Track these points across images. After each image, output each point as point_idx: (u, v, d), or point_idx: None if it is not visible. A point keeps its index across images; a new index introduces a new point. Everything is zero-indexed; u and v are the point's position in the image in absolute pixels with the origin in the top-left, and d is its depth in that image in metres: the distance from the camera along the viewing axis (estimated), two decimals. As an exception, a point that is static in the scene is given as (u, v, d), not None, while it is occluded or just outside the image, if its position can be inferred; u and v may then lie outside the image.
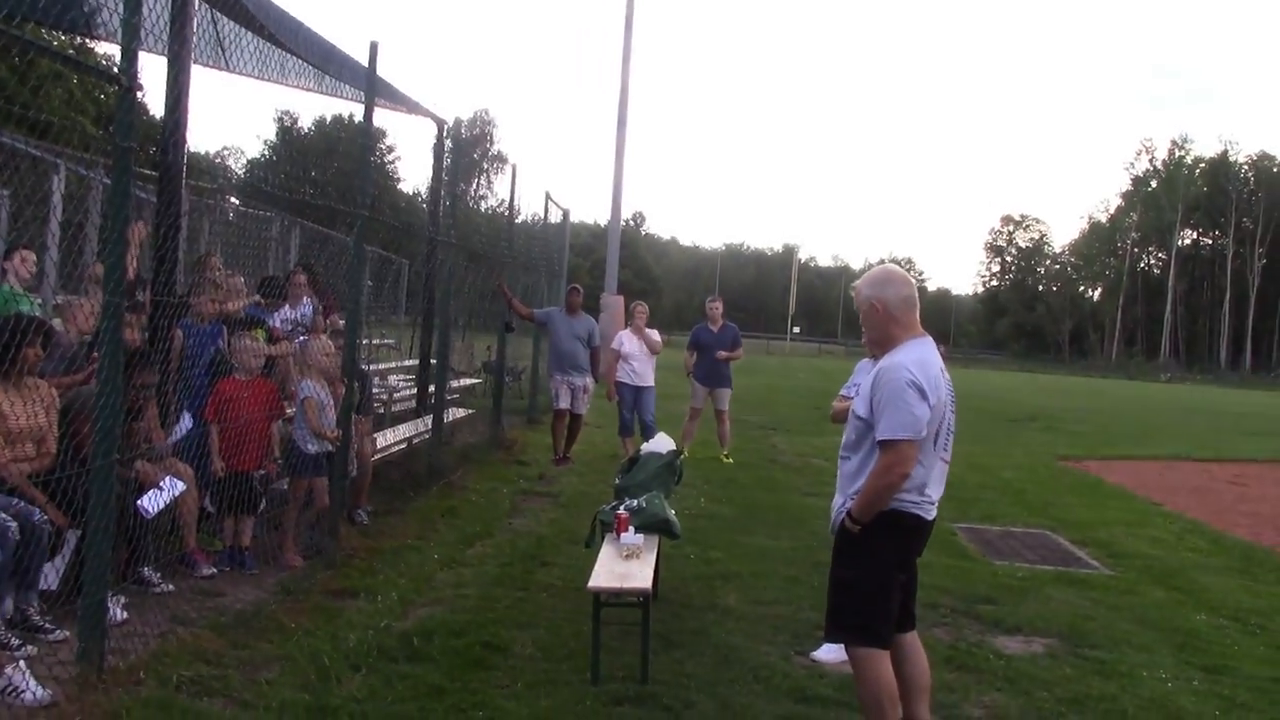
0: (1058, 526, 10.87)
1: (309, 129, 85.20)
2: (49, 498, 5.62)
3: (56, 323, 7.25)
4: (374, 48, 8.13)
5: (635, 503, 6.81)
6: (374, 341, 15.70)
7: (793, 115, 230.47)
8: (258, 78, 9.63)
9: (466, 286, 14.04)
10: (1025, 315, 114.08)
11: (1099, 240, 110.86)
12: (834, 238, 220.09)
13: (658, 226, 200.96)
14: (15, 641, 5.19)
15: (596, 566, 5.98)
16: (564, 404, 13.19)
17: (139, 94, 5.00)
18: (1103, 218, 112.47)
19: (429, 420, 11.84)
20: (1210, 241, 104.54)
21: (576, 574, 7.15)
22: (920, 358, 4.46)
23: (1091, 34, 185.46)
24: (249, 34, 8.82)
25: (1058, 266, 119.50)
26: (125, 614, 5.76)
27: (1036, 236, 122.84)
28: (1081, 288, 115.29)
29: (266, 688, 5.08)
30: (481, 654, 5.81)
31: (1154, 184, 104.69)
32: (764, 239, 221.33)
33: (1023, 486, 13.69)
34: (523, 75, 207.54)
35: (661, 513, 6.76)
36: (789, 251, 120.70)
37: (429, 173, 13.09)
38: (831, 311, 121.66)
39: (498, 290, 13.92)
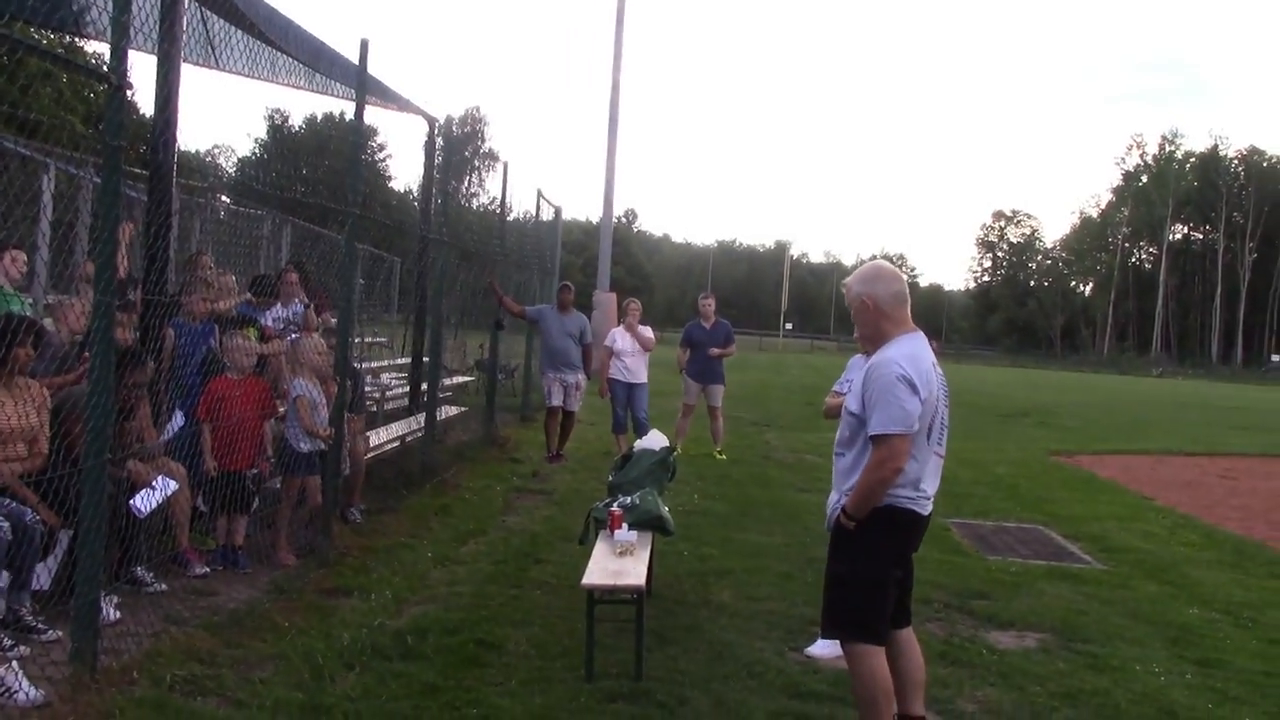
0: (1050, 521, 10.89)
1: (299, 127, 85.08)
2: (41, 498, 5.60)
3: (48, 322, 7.22)
4: (364, 45, 8.11)
5: (629, 500, 6.82)
6: (366, 339, 15.68)
7: (785, 112, 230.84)
8: (248, 76, 9.60)
9: (458, 284, 14.02)
10: (1017, 311, 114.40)
11: (1090, 235, 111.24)
12: (826, 234, 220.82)
13: (650, 224, 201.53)
14: (8, 642, 5.17)
15: (590, 564, 5.98)
16: (557, 401, 13.19)
17: (129, 92, 4.99)
18: (1094, 213, 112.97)
19: (422, 418, 11.83)
20: (1201, 236, 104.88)
21: (570, 571, 7.16)
22: (911, 352, 4.46)
23: (1082, 29, 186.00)
24: (239, 32, 8.79)
25: (1049, 262, 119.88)
26: (118, 614, 5.75)
27: (1028, 232, 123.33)
28: (1073, 283, 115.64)
29: (260, 687, 5.08)
30: (476, 652, 5.81)
31: (1145, 179, 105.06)
32: (756, 235, 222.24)
33: (1015, 482, 13.71)
34: (514, 73, 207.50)
35: (655, 509, 6.76)
36: (781, 248, 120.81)
37: (420, 170, 13.08)
38: (824, 308, 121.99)
39: (489, 288, 13.91)
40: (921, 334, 4.62)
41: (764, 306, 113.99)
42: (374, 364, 15.21)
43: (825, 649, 5.93)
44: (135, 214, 8.61)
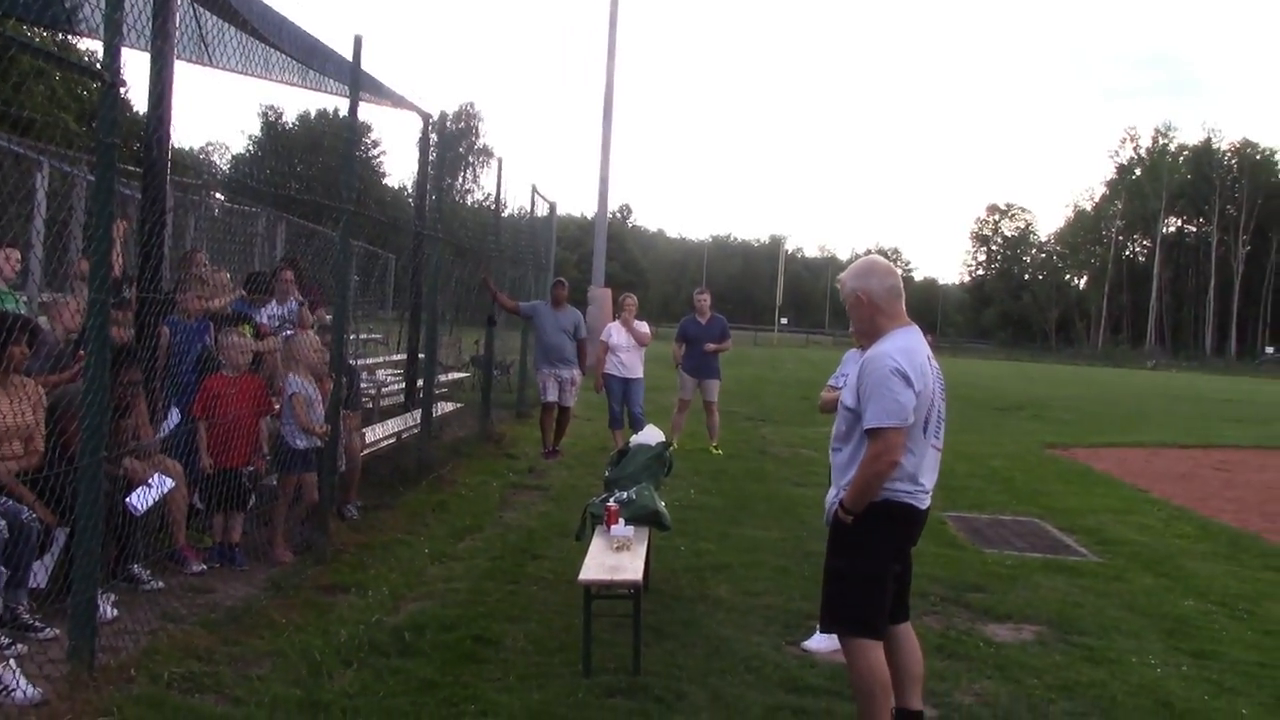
0: (1046, 514, 10.91)
1: (293, 124, 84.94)
2: (37, 496, 5.60)
3: (42, 320, 7.22)
4: (358, 42, 8.11)
5: (625, 495, 6.82)
6: (362, 336, 15.67)
7: (779, 107, 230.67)
8: (241, 73, 9.58)
9: (453, 281, 14.03)
10: (1011, 304, 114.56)
11: (1084, 229, 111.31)
12: (821, 229, 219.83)
13: (645, 219, 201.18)
14: (5, 640, 5.16)
15: (587, 559, 5.99)
16: (552, 397, 13.19)
17: (122, 90, 4.99)
18: (1088, 206, 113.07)
19: (418, 415, 11.82)
20: (1195, 229, 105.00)
21: (567, 567, 7.17)
22: (906, 345, 4.47)
23: (1075, 23, 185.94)
24: (232, 29, 8.77)
25: (1043, 255, 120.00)
26: (115, 611, 5.75)
27: (1022, 225, 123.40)
28: (1067, 276, 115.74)
29: (258, 684, 5.08)
30: (473, 648, 5.81)
31: (1138, 172, 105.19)
32: (751, 230, 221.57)
33: (1011, 475, 13.74)
34: (508, 68, 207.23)
35: (651, 505, 6.77)
36: (776, 243, 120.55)
37: (414, 167, 13.06)
38: (819, 302, 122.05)
39: (483, 284, 13.90)
40: (916, 328, 4.63)
41: (759, 301, 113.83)
42: (370, 361, 15.21)
43: (822, 643, 5.95)
44: (129, 211, 8.59)
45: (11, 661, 4.77)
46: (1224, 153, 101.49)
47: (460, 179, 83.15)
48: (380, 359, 16.37)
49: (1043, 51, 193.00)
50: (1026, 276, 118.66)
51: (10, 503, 5.49)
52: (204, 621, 5.88)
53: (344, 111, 8.47)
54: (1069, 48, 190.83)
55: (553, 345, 13.19)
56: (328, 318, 9.16)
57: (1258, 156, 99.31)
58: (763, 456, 14.38)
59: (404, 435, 11.47)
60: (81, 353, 5.65)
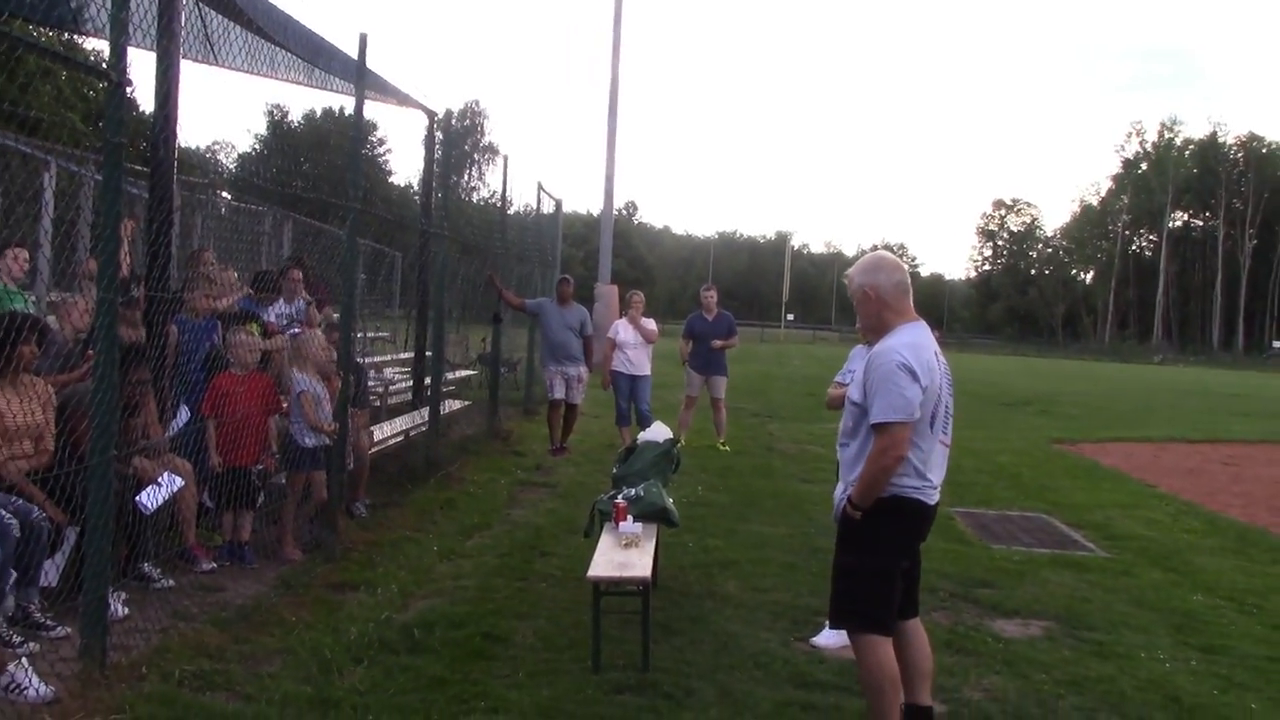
0: (1053, 509, 10.90)
1: (299, 122, 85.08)
2: (47, 495, 5.62)
3: (51, 320, 7.24)
4: (363, 40, 8.11)
5: (633, 492, 6.82)
6: (369, 334, 15.69)
7: (784, 103, 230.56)
8: (247, 72, 9.61)
9: (460, 278, 14.04)
10: (1018, 299, 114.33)
11: (1090, 223, 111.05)
12: (827, 224, 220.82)
13: (651, 215, 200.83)
14: (17, 639, 5.19)
15: (596, 556, 6.00)
16: (559, 394, 13.21)
17: (128, 89, 5.00)
18: (1094, 201, 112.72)
19: (425, 413, 11.83)
20: (1201, 223, 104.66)
21: (576, 564, 7.17)
22: (913, 341, 4.47)
23: (1080, 16, 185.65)
24: (237, 28, 8.80)
25: (1050, 250, 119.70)
26: (126, 610, 5.78)
27: (1028, 220, 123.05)
28: (1074, 271, 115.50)
29: (269, 681, 5.10)
30: (482, 645, 5.83)
31: (1144, 166, 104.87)
32: (757, 227, 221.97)
33: (1018, 470, 13.72)
34: (513, 66, 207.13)
35: (659, 501, 6.77)
36: (782, 239, 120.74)
37: (420, 165, 13.09)
38: (825, 298, 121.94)
39: (489, 282, 13.92)
40: (924, 323, 4.63)
41: (765, 298, 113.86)
42: (377, 359, 15.23)
43: (831, 639, 5.95)
44: (137, 211, 8.63)
45: (24, 660, 4.80)
46: (1230, 146, 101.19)
47: (466, 176, 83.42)
48: (388, 357, 16.38)
49: (1047, 46, 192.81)
50: (1033, 271, 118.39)
51: (20, 502, 5.51)
52: (214, 619, 5.90)
53: (349, 110, 8.48)
54: (1074, 42, 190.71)
55: (559, 343, 13.20)
56: (335, 316, 9.17)
57: (1264, 150, 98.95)
58: (770, 453, 14.38)
59: (412, 433, 11.49)
60: (90, 352, 5.67)
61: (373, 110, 12.09)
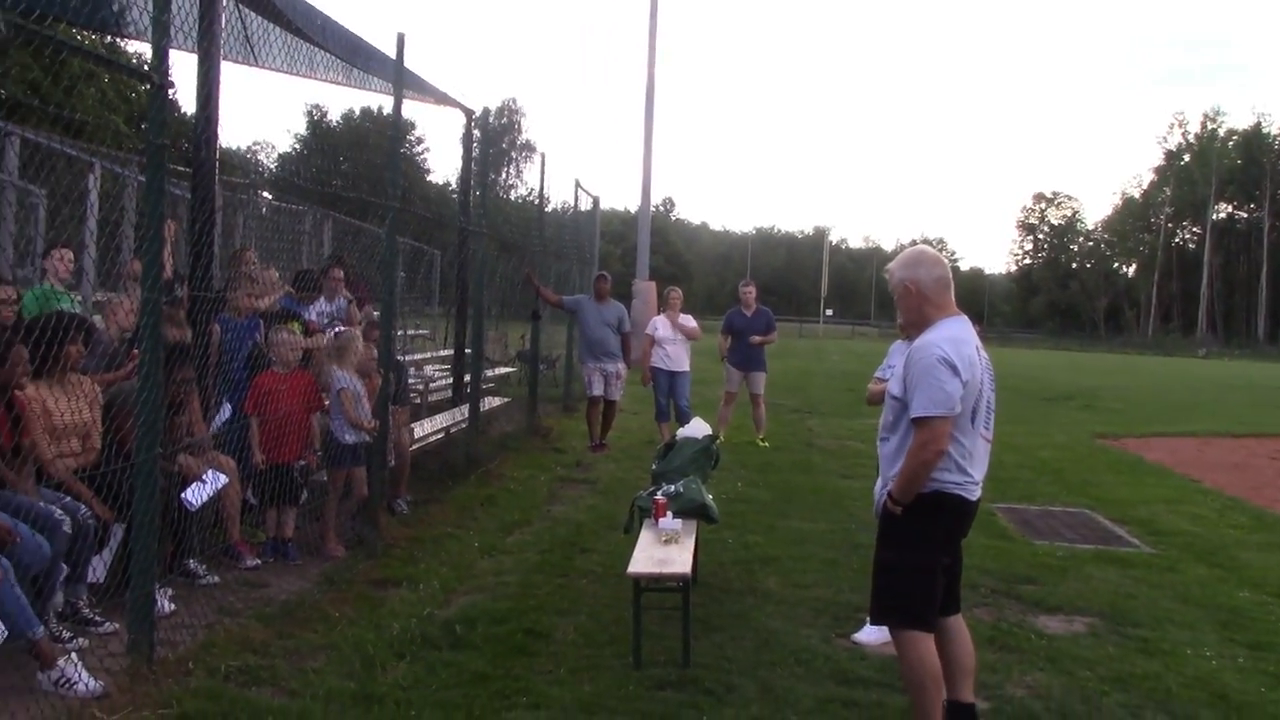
0: (1097, 505, 10.80)
1: (338, 122, 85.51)
2: (94, 492, 5.70)
3: (97, 320, 7.33)
4: (401, 39, 8.16)
5: (672, 488, 6.83)
6: (409, 332, 15.78)
7: (822, 97, 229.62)
8: (286, 72, 9.68)
9: (498, 276, 14.09)
10: (1059, 293, 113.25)
11: (1132, 216, 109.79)
12: (865, 219, 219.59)
13: (688, 212, 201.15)
14: (67, 634, 5.28)
15: (636, 552, 6.01)
16: (598, 391, 13.23)
17: (170, 91, 5.05)
18: (1136, 193, 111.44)
19: (465, 410, 11.89)
20: (1245, 215, 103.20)
21: (616, 560, 7.19)
22: (954, 335, 4.44)
23: (1121, 6, 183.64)
24: (277, 29, 8.87)
25: (1091, 243, 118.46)
26: (173, 606, 5.85)
27: (1069, 213, 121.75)
28: (1116, 264, 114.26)
29: (313, 676, 5.14)
30: (524, 640, 5.85)
31: (1187, 158, 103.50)
32: (795, 222, 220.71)
33: (1061, 465, 13.62)
34: (550, 63, 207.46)
35: (699, 497, 6.77)
36: (820, 234, 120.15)
37: (458, 163, 13.15)
38: (864, 293, 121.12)
39: (526, 279, 13.96)
40: (965, 318, 4.60)
41: (804, 293, 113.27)
42: (417, 356, 15.31)
43: (872, 635, 5.93)
44: (179, 211, 8.72)
45: (73, 655, 4.87)
46: (1275, 137, 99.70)
47: (504, 174, 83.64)
48: (428, 354, 16.47)
49: (1087, 37, 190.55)
50: (1074, 265, 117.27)
51: (69, 499, 5.59)
52: (259, 615, 5.96)
53: (388, 109, 8.54)
54: (1114, 33, 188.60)
55: (596, 339, 13.22)
56: (375, 314, 9.23)
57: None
58: (809, 449, 14.34)
59: (452, 430, 11.55)
60: (136, 351, 5.73)
61: (411, 109, 12.13)
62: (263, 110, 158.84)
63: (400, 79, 8.31)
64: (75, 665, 4.75)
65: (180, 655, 5.17)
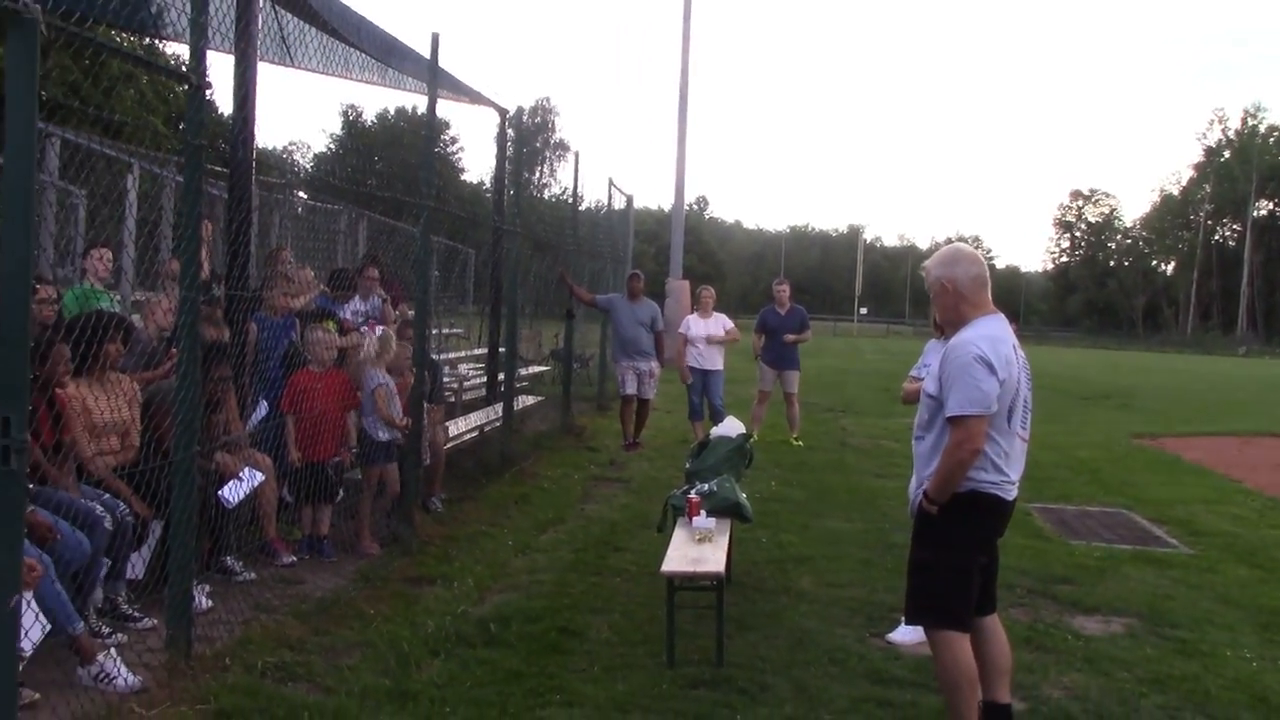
0: (1134, 505, 10.70)
1: (373, 122, 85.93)
2: (133, 489, 5.75)
3: (135, 319, 7.40)
4: (435, 39, 8.19)
5: (706, 487, 6.82)
6: (443, 331, 15.84)
7: (856, 95, 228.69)
8: (322, 72, 9.74)
9: (532, 275, 14.13)
10: (1097, 291, 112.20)
11: (1171, 213, 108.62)
12: (900, 217, 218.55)
13: (721, 210, 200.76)
14: (106, 630, 5.33)
15: (669, 551, 6.01)
16: (631, 390, 13.23)
17: (208, 92, 5.09)
18: (1174, 190, 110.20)
19: (499, 408, 11.93)
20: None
21: (649, 558, 7.19)
22: (991, 334, 4.41)
23: (1159, 1, 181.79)
24: (313, 30, 8.92)
25: (1129, 241, 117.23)
26: (210, 602, 5.89)
27: (1106, 211, 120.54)
28: (1154, 262, 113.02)
29: (348, 673, 5.17)
30: (558, 639, 5.86)
31: (1227, 154, 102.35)
32: (829, 220, 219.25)
33: (1098, 465, 13.50)
34: (583, 61, 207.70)
35: (732, 496, 6.76)
36: (854, 232, 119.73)
37: (492, 162, 13.21)
38: (898, 292, 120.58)
39: (560, 278, 13.99)
40: (1002, 316, 4.57)
41: (838, 292, 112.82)
42: (452, 355, 15.37)
43: (907, 635, 5.90)
44: (216, 211, 8.79)
45: (112, 650, 4.92)
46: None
47: (537, 173, 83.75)
48: (462, 353, 16.52)
49: (1125, 33, 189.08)
50: (1112, 263, 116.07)
51: (108, 496, 5.65)
52: (295, 612, 6.00)
53: (422, 109, 8.58)
54: (1152, 28, 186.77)
55: (630, 338, 13.22)
56: (410, 313, 9.27)
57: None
58: (843, 448, 14.29)
59: (486, 429, 11.58)
60: (174, 350, 5.79)
61: (445, 109, 12.19)
62: (299, 110, 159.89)
63: (435, 79, 8.34)
64: (114, 660, 4.80)
65: (217, 651, 5.22)
